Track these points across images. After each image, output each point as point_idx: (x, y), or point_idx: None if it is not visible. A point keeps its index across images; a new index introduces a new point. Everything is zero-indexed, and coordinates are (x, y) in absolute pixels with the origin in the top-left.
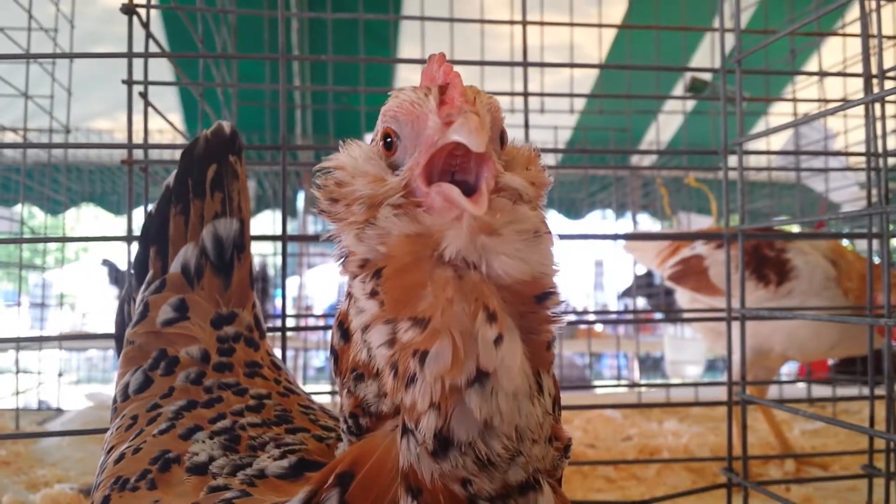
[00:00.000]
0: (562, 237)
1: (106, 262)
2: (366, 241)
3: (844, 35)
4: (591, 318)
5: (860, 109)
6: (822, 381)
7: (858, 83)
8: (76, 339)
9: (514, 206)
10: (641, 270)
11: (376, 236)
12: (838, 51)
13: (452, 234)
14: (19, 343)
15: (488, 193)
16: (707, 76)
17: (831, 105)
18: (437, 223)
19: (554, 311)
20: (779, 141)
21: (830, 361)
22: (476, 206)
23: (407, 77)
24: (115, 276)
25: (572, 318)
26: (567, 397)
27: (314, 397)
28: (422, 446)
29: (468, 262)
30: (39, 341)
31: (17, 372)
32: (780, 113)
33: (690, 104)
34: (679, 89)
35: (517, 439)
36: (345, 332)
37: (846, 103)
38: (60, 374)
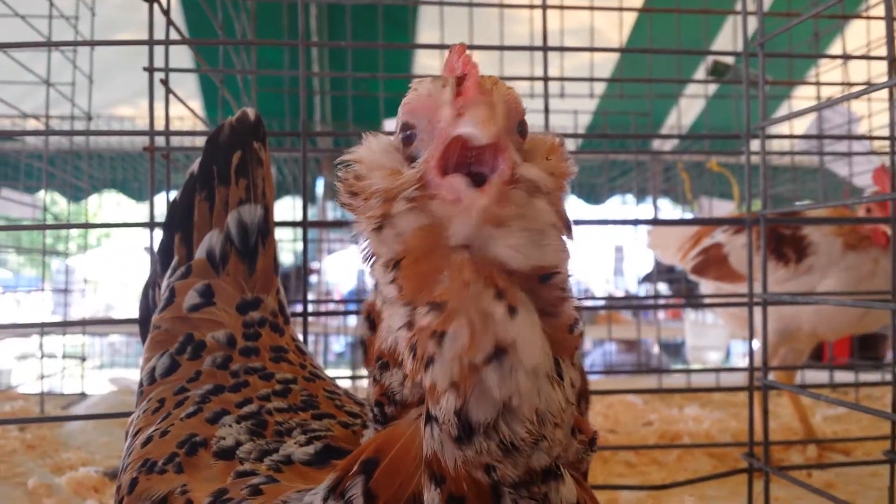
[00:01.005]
0: (581, 223)
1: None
2: (387, 244)
3: (868, 18)
4: (613, 303)
5: (884, 93)
6: (844, 367)
7: (883, 66)
8: (99, 325)
9: (529, 200)
10: None
11: (394, 237)
12: (862, 34)
13: (460, 221)
14: (43, 328)
15: (502, 185)
16: (729, 59)
17: (855, 89)
18: (447, 213)
19: (564, 290)
20: (802, 125)
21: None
22: (480, 197)
23: (426, 63)
24: None
25: (591, 303)
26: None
27: (336, 382)
28: (445, 433)
29: (473, 246)
30: (63, 326)
31: (42, 357)
32: (803, 97)
33: (712, 88)
34: (701, 73)
35: (539, 423)
36: (372, 323)
37: (870, 87)
38: (84, 359)
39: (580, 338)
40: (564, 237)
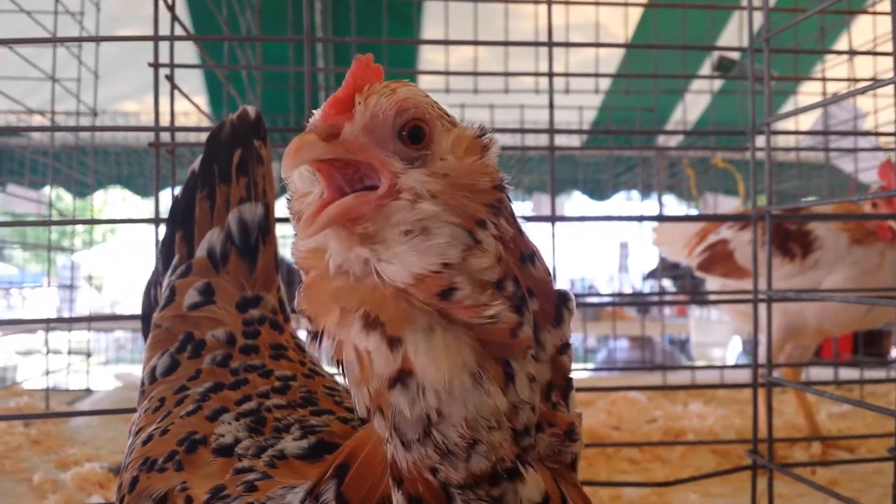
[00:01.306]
0: (586, 219)
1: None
2: (295, 258)
3: (874, 13)
4: (617, 300)
5: (890, 89)
6: (849, 364)
7: (888, 62)
8: (104, 321)
9: (413, 207)
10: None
11: (297, 259)
12: (868, 29)
13: (332, 246)
14: (49, 324)
15: (354, 204)
16: (735, 55)
17: (861, 84)
18: (322, 236)
19: (474, 301)
20: (807, 120)
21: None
22: (305, 229)
23: (430, 58)
24: None
25: (596, 300)
26: (592, 380)
27: (337, 378)
28: (401, 439)
29: (357, 271)
30: (69, 322)
31: (47, 353)
32: (808, 92)
33: (718, 83)
34: (706, 68)
35: (470, 428)
36: None
37: (876, 82)
38: (89, 355)
39: (528, 338)
40: (479, 234)
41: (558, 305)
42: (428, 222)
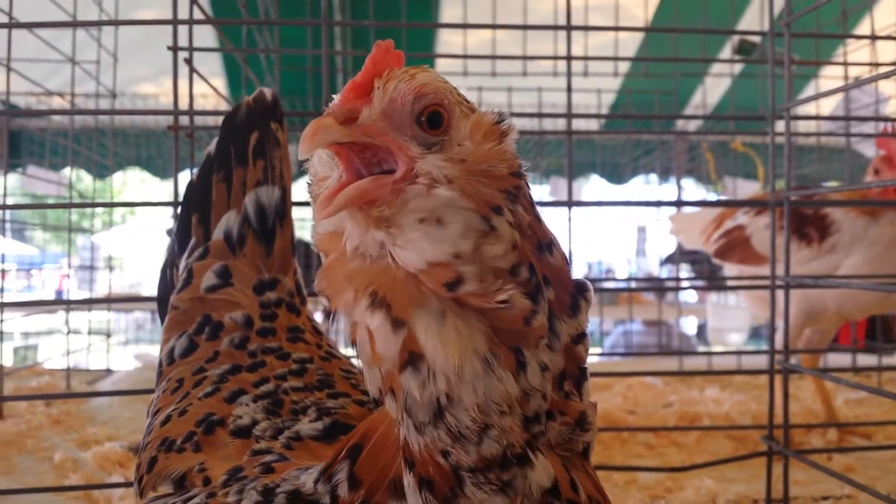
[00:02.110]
0: (604, 204)
1: (169, 232)
2: (314, 241)
3: None
4: (633, 285)
5: None
6: (867, 351)
7: None
8: (124, 302)
9: (429, 192)
10: None
11: (316, 241)
12: (891, 12)
13: (349, 228)
14: (69, 305)
15: (370, 187)
16: (755, 38)
17: (883, 69)
18: (340, 219)
19: (482, 291)
20: (828, 104)
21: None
22: (321, 211)
23: (449, 40)
24: None
25: (613, 284)
26: (607, 364)
27: (353, 361)
28: (408, 422)
29: (373, 253)
30: (89, 304)
31: (68, 333)
32: (830, 76)
33: (738, 67)
34: (727, 52)
35: (481, 412)
36: None
37: None
38: (109, 336)
39: (542, 327)
40: (494, 220)
41: (575, 295)
42: (443, 211)
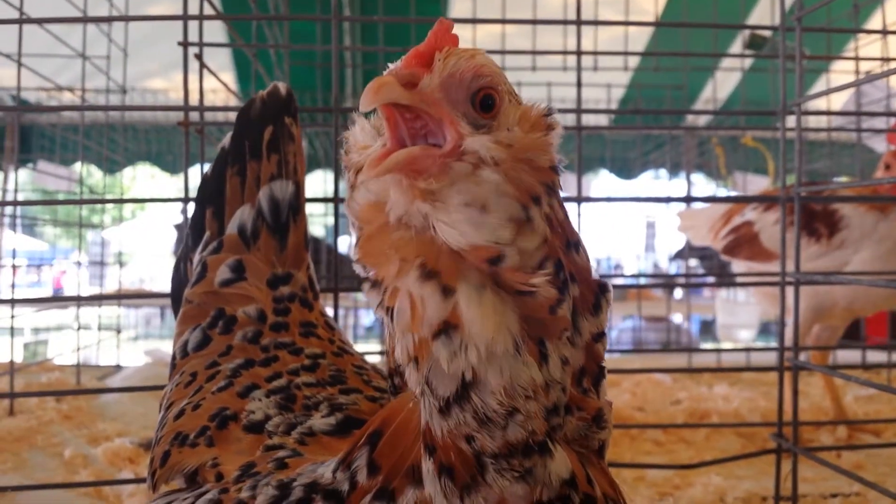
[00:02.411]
0: (613, 200)
1: (176, 226)
2: (350, 216)
3: None
4: (643, 280)
5: None
6: (877, 347)
7: None
8: (134, 298)
9: (474, 172)
10: None
11: (353, 211)
12: None
13: (394, 197)
14: (80, 301)
15: (429, 154)
16: (766, 32)
17: (895, 63)
18: (383, 188)
19: (522, 265)
20: (839, 99)
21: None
22: (369, 171)
23: (458, 34)
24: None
25: (622, 280)
26: (616, 360)
27: (365, 357)
28: (432, 404)
29: (415, 224)
30: (99, 300)
31: (78, 328)
32: (841, 70)
33: (749, 61)
34: (737, 46)
35: (508, 395)
36: None
37: None
38: (119, 331)
39: (565, 319)
40: (532, 211)
41: (597, 294)
42: (488, 197)
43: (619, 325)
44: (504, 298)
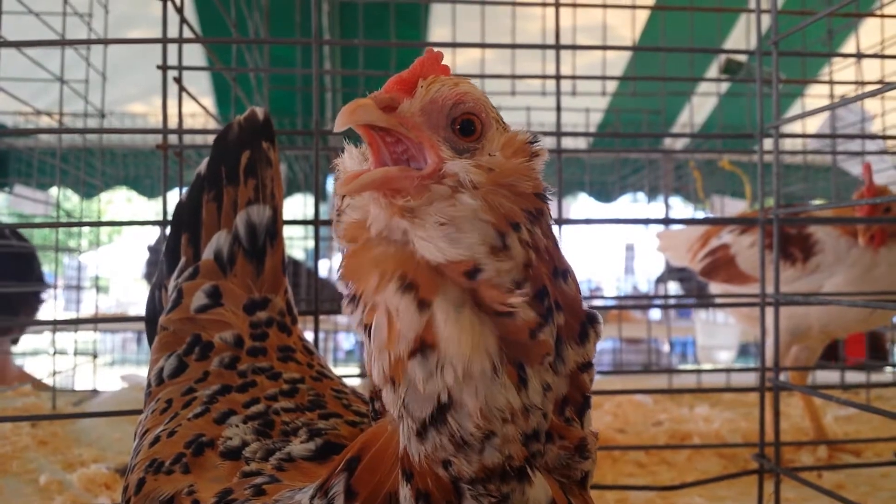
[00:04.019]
0: (592, 222)
1: (151, 248)
2: (337, 232)
3: (882, 16)
4: (624, 302)
5: None
6: (855, 367)
7: None
8: (111, 322)
9: (452, 194)
10: None
11: (340, 232)
12: (876, 32)
13: (374, 212)
14: (56, 325)
15: (397, 176)
16: (742, 57)
17: (869, 87)
18: (367, 206)
19: (499, 281)
20: (814, 123)
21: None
22: (343, 186)
23: (448, 65)
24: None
25: (601, 302)
26: (597, 382)
27: (344, 380)
28: (410, 427)
29: (394, 239)
30: (75, 324)
31: (54, 353)
32: (816, 95)
33: (725, 85)
34: (714, 71)
35: (485, 418)
36: None
37: (885, 86)
38: (95, 356)
39: (546, 344)
40: (509, 237)
41: (584, 324)
42: (463, 220)
43: (599, 346)
44: (483, 319)
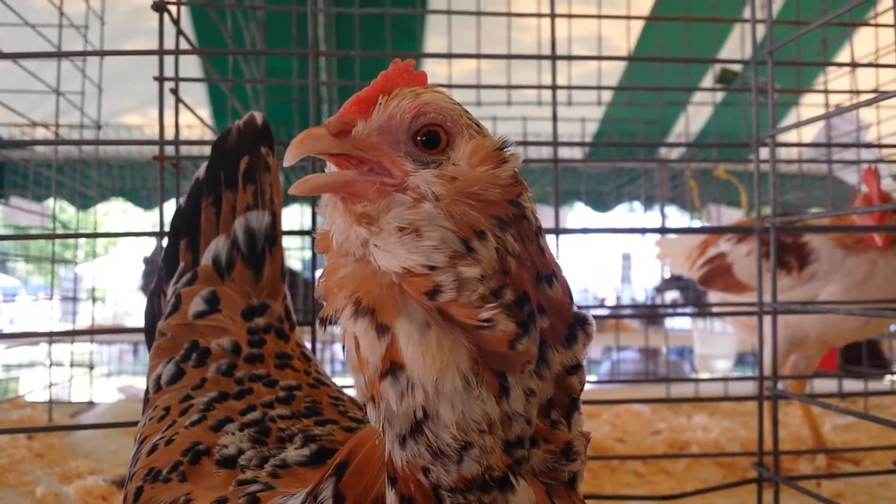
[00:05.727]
0: (588, 231)
1: (146, 260)
2: (316, 241)
3: (877, 25)
4: (620, 312)
5: (893, 100)
6: (854, 376)
7: (891, 73)
8: (107, 333)
9: (414, 204)
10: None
11: (316, 235)
12: (870, 40)
13: (336, 221)
14: (52, 337)
15: (355, 180)
16: (737, 67)
17: (864, 96)
18: (333, 215)
19: (465, 300)
20: (810, 132)
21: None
22: (298, 186)
23: (434, 70)
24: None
25: (599, 312)
26: (596, 392)
27: (343, 389)
28: (392, 436)
29: (357, 253)
30: (71, 335)
31: (50, 365)
32: (811, 104)
33: (720, 95)
34: (709, 80)
35: (461, 430)
36: None
37: (880, 95)
38: (91, 367)
39: (528, 352)
40: (474, 244)
41: (572, 326)
42: (422, 224)
43: (610, 356)
44: (453, 335)
